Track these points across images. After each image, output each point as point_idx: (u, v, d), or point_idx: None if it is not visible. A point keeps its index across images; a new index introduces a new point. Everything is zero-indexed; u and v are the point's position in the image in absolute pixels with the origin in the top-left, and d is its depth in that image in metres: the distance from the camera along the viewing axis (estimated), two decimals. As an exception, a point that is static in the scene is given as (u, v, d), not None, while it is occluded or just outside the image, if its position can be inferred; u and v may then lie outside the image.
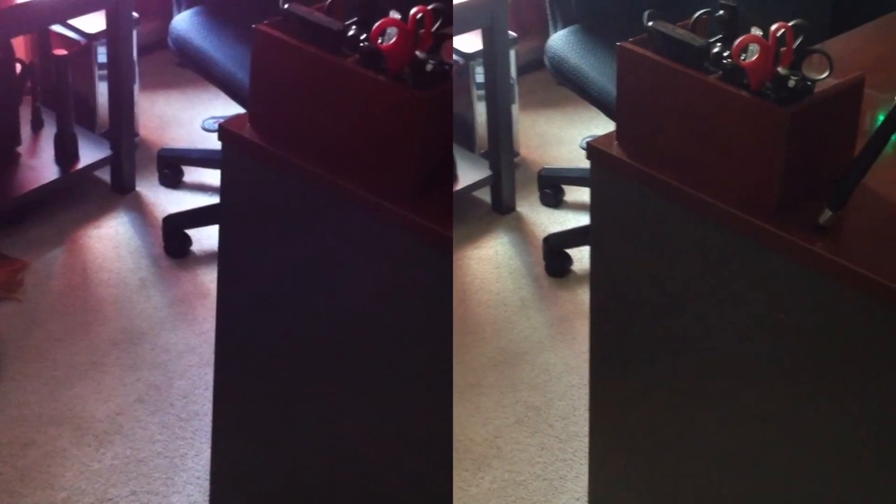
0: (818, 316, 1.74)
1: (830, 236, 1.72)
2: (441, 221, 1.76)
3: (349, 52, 1.81)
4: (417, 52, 1.77)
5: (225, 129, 1.95)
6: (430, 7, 1.79)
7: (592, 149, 1.95)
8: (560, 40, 3.01)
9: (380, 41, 1.76)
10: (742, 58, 1.73)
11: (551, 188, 3.50)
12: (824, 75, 1.75)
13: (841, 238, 1.73)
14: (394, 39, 1.75)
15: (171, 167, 3.50)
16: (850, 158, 1.78)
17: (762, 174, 1.75)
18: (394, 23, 1.76)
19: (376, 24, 1.76)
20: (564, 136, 3.85)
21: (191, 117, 3.84)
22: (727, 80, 1.77)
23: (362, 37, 1.79)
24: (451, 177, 1.85)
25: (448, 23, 1.82)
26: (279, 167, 1.90)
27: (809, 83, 1.74)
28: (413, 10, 1.77)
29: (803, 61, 1.76)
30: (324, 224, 1.90)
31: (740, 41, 1.74)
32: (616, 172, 1.93)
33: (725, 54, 1.77)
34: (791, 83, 1.72)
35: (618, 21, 2.88)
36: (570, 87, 2.97)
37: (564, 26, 3.07)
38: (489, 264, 3.24)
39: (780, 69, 1.73)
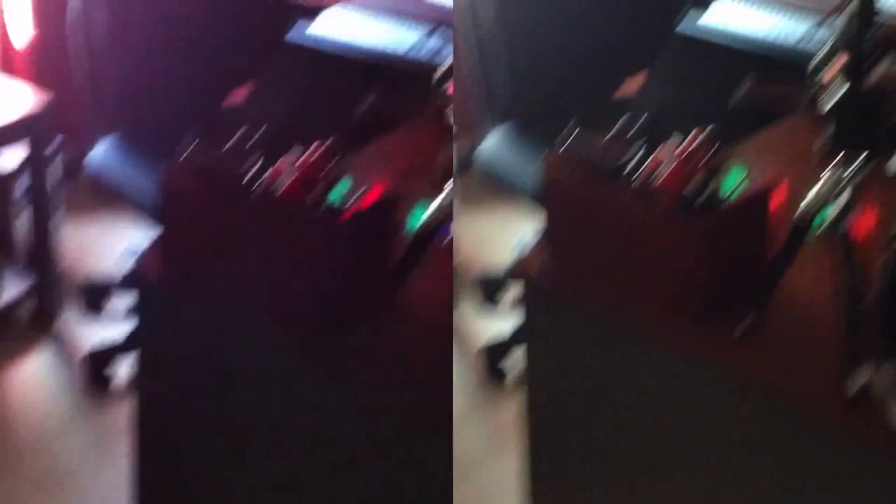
0: (739, 424, 1.67)
1: (747, 346, 1.65)
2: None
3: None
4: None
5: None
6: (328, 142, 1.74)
7: (518, 266, 1.90)
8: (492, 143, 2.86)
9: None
10: (658, 171, 1.67)
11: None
12: (740, 182, 1.68)
13: (758, 347, 1.65)
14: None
15: (95, 297, 3.31)
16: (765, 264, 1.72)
17: (682, 285, 1.68)
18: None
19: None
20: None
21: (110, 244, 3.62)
22: (643, 193, 1.69)
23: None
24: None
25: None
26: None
27: (725, 192, 1.67)
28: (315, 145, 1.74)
29: (720, 168, 1.68)
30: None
31: (655, 155, 1.68)
32: (543, 288, 1.87)
33: (644, 164, 1.70)
34: (705, 194, 1.65)
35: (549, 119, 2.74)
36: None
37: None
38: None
39: (696, 179, 1.65)
